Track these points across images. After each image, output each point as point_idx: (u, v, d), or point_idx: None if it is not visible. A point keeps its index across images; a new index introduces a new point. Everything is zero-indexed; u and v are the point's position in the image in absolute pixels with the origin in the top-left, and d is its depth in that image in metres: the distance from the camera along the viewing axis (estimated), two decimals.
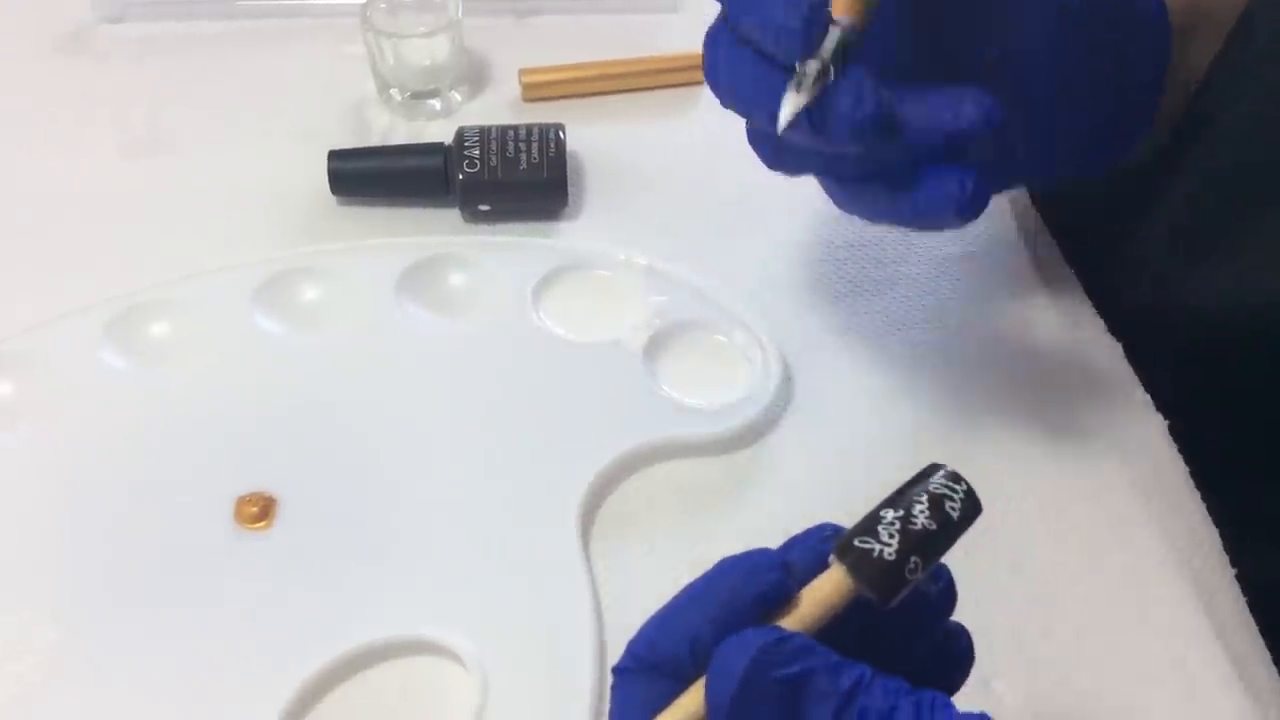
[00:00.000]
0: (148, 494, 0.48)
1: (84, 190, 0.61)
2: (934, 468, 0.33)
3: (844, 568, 0.31)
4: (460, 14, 0.64)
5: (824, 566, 0.32)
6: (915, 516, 0.31)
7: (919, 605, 0.33)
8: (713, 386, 0.52)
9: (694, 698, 0.31)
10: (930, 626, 0.34)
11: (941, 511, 0.31)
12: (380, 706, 0.43)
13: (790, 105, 0.38)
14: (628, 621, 0.45)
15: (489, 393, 0.52)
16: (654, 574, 0.47)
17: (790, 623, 0.31)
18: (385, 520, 0.47)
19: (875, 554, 0.31)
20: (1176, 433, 0.50)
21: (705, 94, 0.67)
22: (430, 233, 0.59)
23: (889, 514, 0.31)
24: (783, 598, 0.31)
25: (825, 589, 0.31)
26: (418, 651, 0.44)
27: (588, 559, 0.46)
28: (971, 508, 0.32)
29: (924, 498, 0.32)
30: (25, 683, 0.43)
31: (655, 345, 0.53)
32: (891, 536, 0.31)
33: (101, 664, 0.44)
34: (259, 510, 0.47)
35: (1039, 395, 0.52)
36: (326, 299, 0.55)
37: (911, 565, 0.31)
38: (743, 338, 0.54)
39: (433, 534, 0.47)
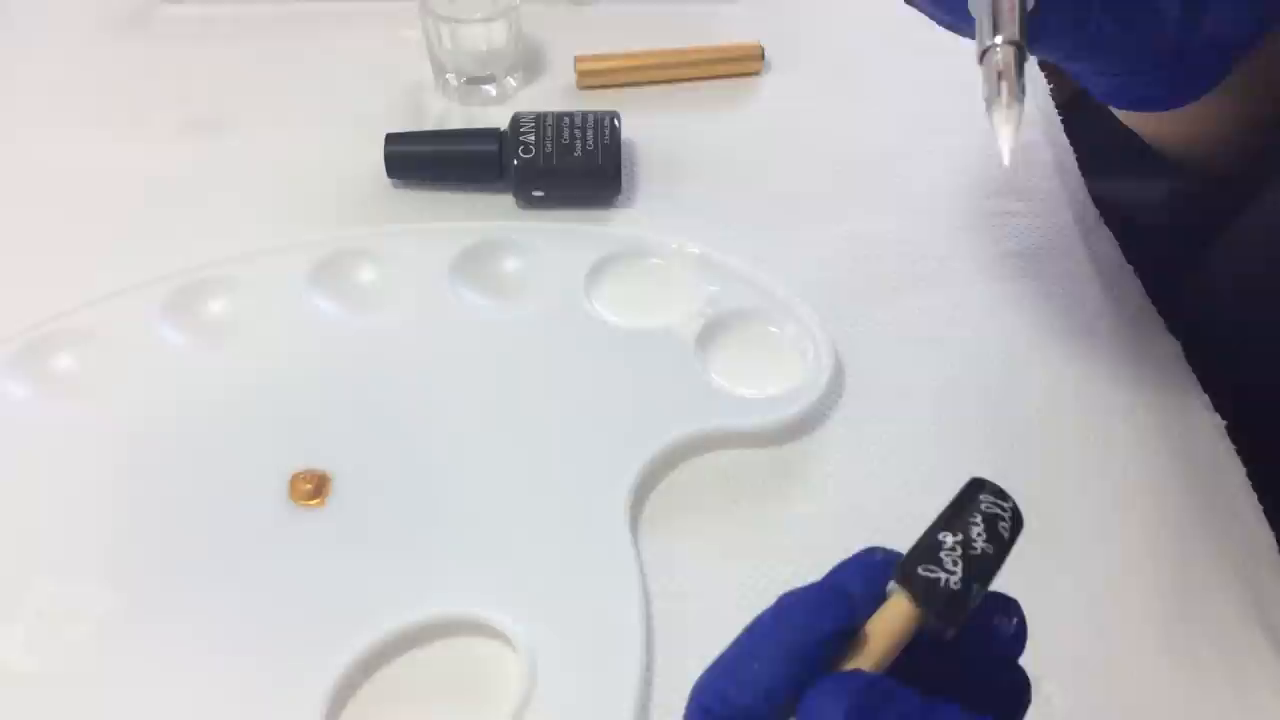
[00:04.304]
0: (204, 468, 0.49)
1: (144, 169, 0.62)
2: (979, 484, 0.32)
3: (911, 597, 0.30)
4: (518, 0, 0.64)
5: (881, 595, 0.31)
6: (974, 541, 0.30)
7: (991, 640, 0.31)
8: (763, 377, 0.52)
9: None
10: (999, 663, 0.32)
11: (995, 532, 0.31)
12: (429, 685, 0.43)
13: (1007, 123, 0.35)
14: (674, 609, 0.45)
15: (540, 377, 0.52)
16: (701, 563, 0.47)
17: (864, 661, 0.29)
18: (436, 501, 0.48)
19: (942, 583, 0.30)
20: (1234, 433, 0.50)
21: (761, 85, 0.67)
22: (484, 217, 0.59)
23: (949, 538, 0.30)
24: (852, 634, 0.30)
25: (895, 622, 0.30)
26: (467, 632, 0.44)
27: (636, 546, 0.47)
28: (1018, 524, 0.31)
29: (979, 519, 0.31)
30: (82, 650, 0.44)
31: (707, 334, 0.53)
32: (955, 564, 0.30)
33: (156, 636, 0.44)
34: (313, 487, 0.47)
35: (1093, 394, 0.52)
36: (381, 281, 0.56)
37: (975, 591, 0.30)
38: (794, 329, 0.54)
39: (483, 516, 0.47)
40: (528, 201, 0.60)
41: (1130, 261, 0.57)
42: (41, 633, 0.44)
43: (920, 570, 0.30)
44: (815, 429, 0.51)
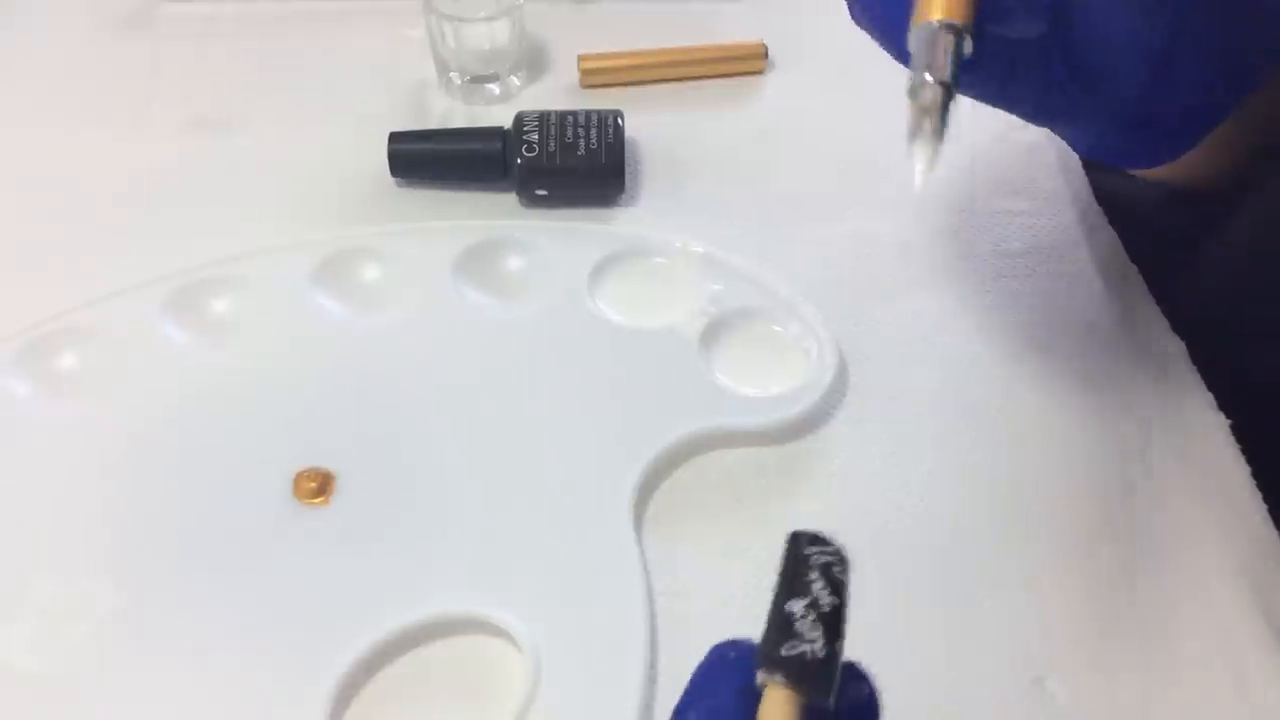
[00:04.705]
0: (207, 467, 0.49)
1: (146, 167, 0.61)
2: (799, 538, 0.31)
3: (785, 683, 0.28)
4: None
5: (751, 691, 0.29)
6: (820, 599, 0.29)
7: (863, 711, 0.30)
8: (767, 376, 0.52)
9: None
10: None
11: (835, 580, 0.30)
12: (433, 683, 0.43)
13: (923, 157, 0.35)
14: (678, 607, 0.45)
15: (544, 376, 0.52)
16: (705, 562, 0.47)
17: None
18: (441, 500, 0.48)
19: (809, 655, 0.28)
20: (1239, 433, 0.50)
21: (765, 84, 0.67)
22: (488, 216, 0.59)
23: (797, 606, 0.29)
24: None
25: (781, 717, 0.28)
26: (472, 630, 0.44)
27: (640, 544, 0.47)
28: (846, 565, 0.30)
29: (815, 575, 0.30)
30: (85, 649, 0.44)
31: (710, 333, 0.53)
32: (813, 629, 0.29)
33: (159, 634, 0.44)
34: (317, 486, 0.47)
35: (1097, 393, 0.52)
36: (384, 279, 0.56)
37: (838, 650, 0.29)
38: (798, 328, 0.53)
39: (487, 515, 0.47)
40: (531, 200, 0.60)
41: (1133, 256, 0.56)
42: (44, 632, 0.44)
43: (784, 652, 0.29)
44: (819, 428, 0.51)
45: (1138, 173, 0.52)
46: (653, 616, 0.44)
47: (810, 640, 0.29)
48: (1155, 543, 0.47)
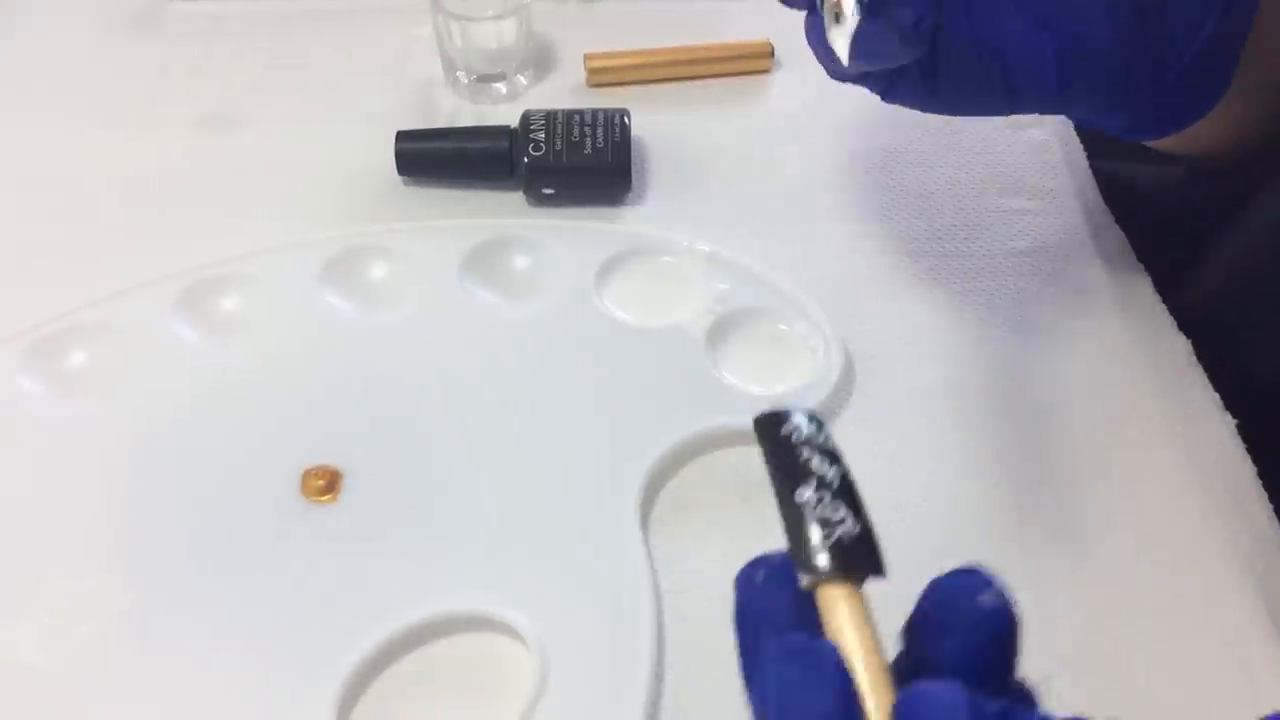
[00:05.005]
0: (216, 465, 0.49)
1: (155, 166, 0.62)
2: (765, 422, 0.28)
3: (834, 579, 0.26)
4: None
5: (806, 605, 0.27)
6: (825, 475, 0.27)
7: (984, 628, 0.27)
8: (773, 375, 0.52)
9: None
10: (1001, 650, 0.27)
11: (825, 450, 0.27)
12: (441, 681, 0.44)
13: (841, 45, 0.40)
14: (686, 606, 0.45)
15: (551, 374, 0.52)
16: (712, 560, 0.47)
17: (862, 678, 0.25)
18: (448, 498, 0.48)
19: (845, 539, 0.26)
20: (1245, 432, 0.50)
21: (771, 82, 0.67)
22: (494, 215, 0.59)
23: (806, 493, 0.27)
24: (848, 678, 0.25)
25: (851, 615, 0.26)
26: (479, 628, 0.44)
27: (646, 542, 0.47)
28: (821, 423, 0.28)
29: (806, 451, 0.27)
30: (94, 645, 0.44)
31: (717, 332, 0.53)
32: (835, 508, 0.27)
33: (167, 631, 0.44)
34: (325, 483, 0.48)
35: (1103, 392, 0.52)
36: (392, 278, 0.56)
37: (867, 518, 0.27)
38: (805, 327, 0.54)
39: (494, 513, 0.48)
40: (538, 199, 0.60)
41: (1140, 253, 0.56)
42: (53, 629, 0.44)
43: (820, 548, 0.26)
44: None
45: (1161, 147, 0.52)
46: (659, 614, 0.45)
47: (838, 522, 0.26)
48: (1161, 541, 0.47)
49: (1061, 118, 0.64)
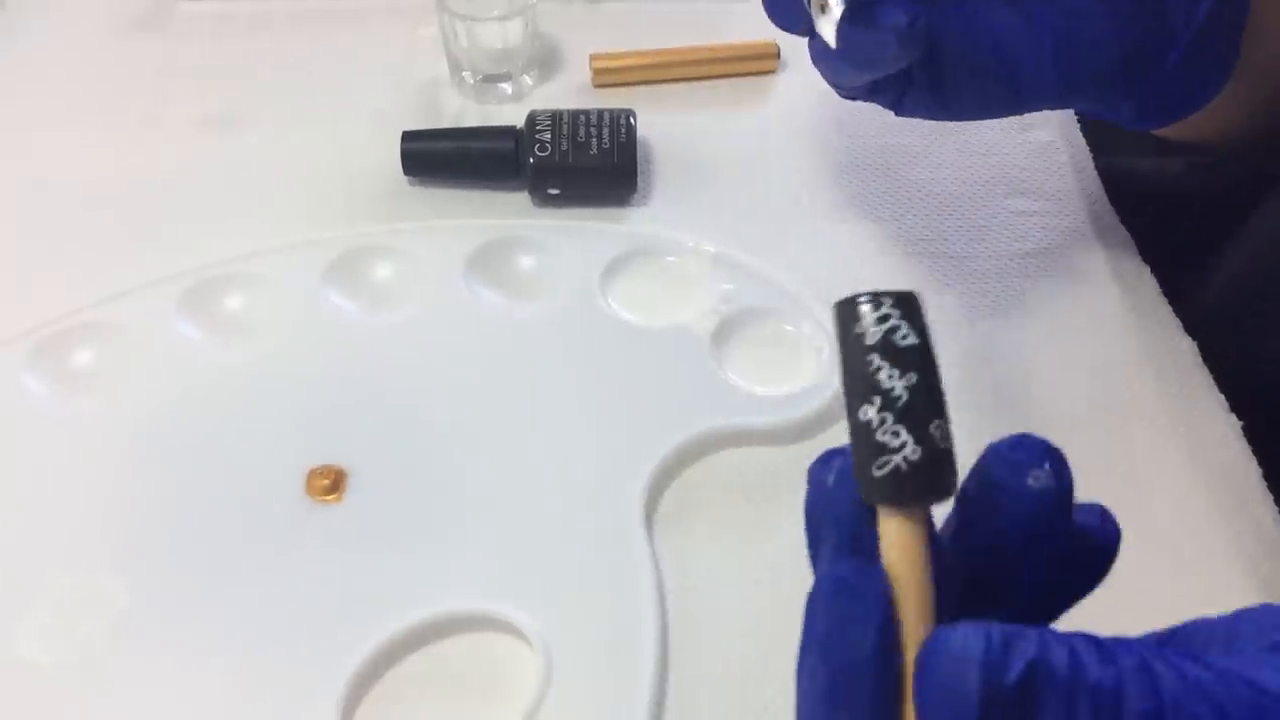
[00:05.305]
0: (220, 464, 0.49)
1: (160, 166, 0.62)
2: (843, 311, 0.26)
3: (892, 508, 0.25)
4: None
5: (867, 519, 0.26)
6: (892, 389, 0.24)
7: (1033, 502, 0.27)
8: (779, 376, 0.52)
9: None
10: (1052, 523, 0.27)
11: (901, 352, 0.25)
12: (445, 681, 0.43)
13: (829, 35, 0.42)
14: (689, 605, 0.45)
15: (555, 374, 0.52)
16: (716, 560, 0.47)
17: (909, 607, 0.25)
18: (453, 497, 0.48)
19: (902, 469, 0.24)
20: (1249, 434, 0.50)
21: (777, 83, 0.67)
22: (500, 215, 0.59)
23: (870, 412, 0.24)
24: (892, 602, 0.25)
25: (902, 545, 0.25)
26: (484, 627, 0.44)
27: (651, 543, 0.47)
28: (912, 310, 0.25)
29: (875, 358, 0.25)
30: (96, 644, 0.44)
31: (722, 332, 0.53)
32: (896, 433, 0.24)
33: (171, 629, 0.44)
34: (330, 483, 0.48)
35: (1108, 394, 0.52)
36: (397, 278, 0.56)
37: (938, 436, 0.25)
38: (810, 328, 0.54)
39: (500, 512, 0.48)
40: (543, 199, 0.60)
41: (1146, 254, 0.56)
42: (57, 627, 0.44)
43: (875, 473, 0.25)
44: (830, 427, 0.51)
45: (1168, 136, 0.52)
46: (663, 614, 0.45)
47: (897, 448, 0.24)
48: (1165, 543, 0.47)
49: (1067, 118, 0.64)
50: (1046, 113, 0.63)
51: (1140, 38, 0.44)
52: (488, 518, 0.47)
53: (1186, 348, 0.53)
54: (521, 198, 0.60)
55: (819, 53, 0.44)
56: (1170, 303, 0.55)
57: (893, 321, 0.25)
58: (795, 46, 0.67)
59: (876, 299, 0.25)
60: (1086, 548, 0.30)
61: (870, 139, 0.63)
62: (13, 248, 0.58)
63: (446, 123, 0.64)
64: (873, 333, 0.25)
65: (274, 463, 0.49)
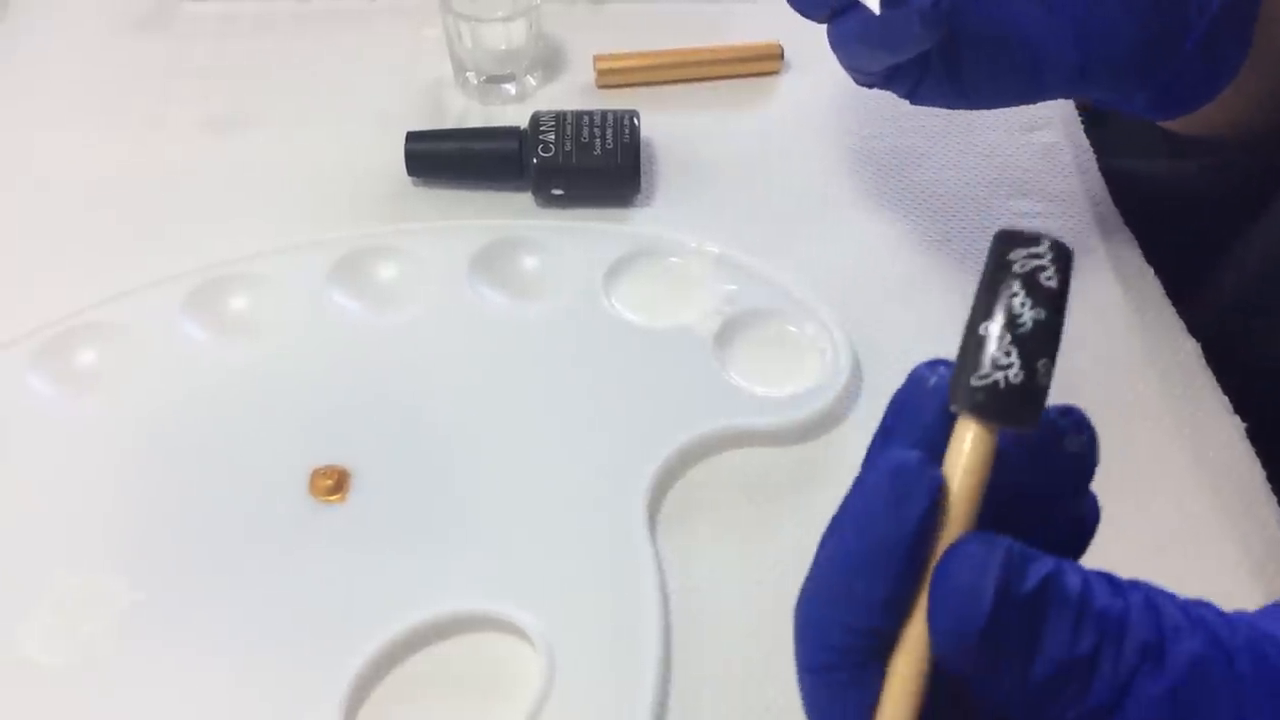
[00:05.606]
0: (224, 464, 0.49)
1: (164, 165, 0.62)
2: (1003, 239, 0.26)
3: (975, 417, 0.26)
4: None
5: (944, 424, 0.27)
6: (1020, 314, 0.26)
7: (1062, 465, 0.28)
8: (782, 376, 0.52)
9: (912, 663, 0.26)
10: (1072, 490, 0.29)
11: (1041, 289, 0.26)
12: (448, 680, 0.44)
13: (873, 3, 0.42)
14: (692, 606, 0.45)
15: (559, 375, 0.52)
16: (719, 561, 0.47)
17: (955, 512, 0.26)
18: (457, 497, 0.48)
19: (1001, 385, 0.25)
20: (1254, 435, 0.50)
21: (780, 84, 0.67)
22: (503, 216, 0.59)
23: (992, 326, 0.26)
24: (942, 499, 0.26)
25: (969, 455, 0.26)
26: (486, 628, 0.44)
27: (654, 543, 0.47)
28: (1064, 262, 0.26)
29: (1016, 286, 0.26)
30: (100, 644, 0.44)
31: (725, 333, 0.53)
32: (1008, 352, 0.25)
33: (174, 629, 0.44)
34: (333, 483, 0.48)
35: (1111, 395, 0.52)
36: (401, 278, 0.56)
37: (1042, 371, 0.26)
38: (813, 328, 0.54)
39: (502, 513, 0.48)
40: (547, 200, 0.60)
41: (1150, 255, 0.56)
42: (61, 627, 0.44)
43: (973, 381, 0.26)
44: (833, 428, 0.51)
45: (1178, 129, 0.52)
46: (666, 614, 0.45)
47: (1004, 366, 0.25)
48: (1168, 545, 0.47)
49: (1071, 120, 0.63)
50: (1051, 114, 0.64)
51: (1157, 26, 0.44)
52: (491, 518, 0.47)
53: (1190, 349, 0.53)
54: (525, 198, 0.60)
55: (838, 38, 0.44)
56: (1174, 304, 0.55)
57: (1044, 262, 0.26)
58: (799, 48, 0.67)
59: (1038, 238, 0.26)
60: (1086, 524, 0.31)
61: (874, 140, 0.63)
62: (17, 248, 0.58)
63: (450, 123, 0.64)
64: (1023, 263, 0.26)
65: (277, 463, 0.49)
